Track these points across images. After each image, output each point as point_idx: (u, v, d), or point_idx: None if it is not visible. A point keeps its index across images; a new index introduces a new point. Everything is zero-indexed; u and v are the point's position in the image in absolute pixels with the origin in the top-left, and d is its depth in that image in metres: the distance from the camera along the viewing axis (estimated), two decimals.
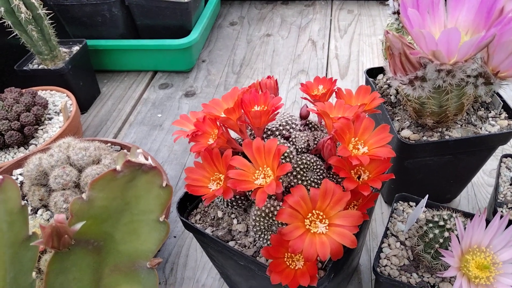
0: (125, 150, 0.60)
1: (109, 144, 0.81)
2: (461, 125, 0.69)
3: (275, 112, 0.48)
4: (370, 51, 1.27)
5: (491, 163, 0.88)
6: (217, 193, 0.43)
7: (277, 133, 0.52)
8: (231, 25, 1.48)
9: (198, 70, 1.27)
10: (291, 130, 0.52)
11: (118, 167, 0.35)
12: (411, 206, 0.65)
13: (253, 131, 0.52)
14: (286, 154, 0.49)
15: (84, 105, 1.12)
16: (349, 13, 1.45)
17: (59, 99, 0.95)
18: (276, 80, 0.58)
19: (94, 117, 1.12)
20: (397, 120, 0.72)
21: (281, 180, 0.48)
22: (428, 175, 0.74)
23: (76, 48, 1.09)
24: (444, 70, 0.46)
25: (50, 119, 0.90)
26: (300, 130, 0.53)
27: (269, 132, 0.52)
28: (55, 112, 0.92)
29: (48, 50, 1.01)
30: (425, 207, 0.63)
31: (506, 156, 0.71)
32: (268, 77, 0.57)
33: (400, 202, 0.65)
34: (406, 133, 0.69)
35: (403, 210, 0.64)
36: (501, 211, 0.62)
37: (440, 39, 0.41)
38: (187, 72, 1.26)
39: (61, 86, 1.00)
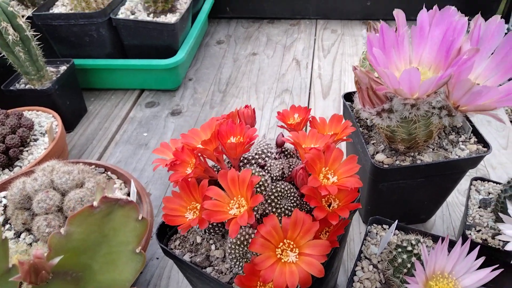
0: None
1: (93, 166, 0.82)
2: (433, 149, 0.73)
3: (251, 143, 0.50)
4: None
5: (466, 183, 0.92)
6: (192, 223, 0.45)
7: (253, 161, 0.54)
8: (218, 43, 1.51)
9: (185, 89, 1.29)
10: (267, 158, 0.55)
11: (95, 203, 0.37)
12: (384, 229, 0.67)
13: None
14: (261, 183, 0.51)
15: (70, 124, 1.13)
16: (332, 33, 1.50)
17: (45, 120, 0.97)
18: (253, 109, 0.60)
19: (81, 136, 1.13)
20: (373, 143, 0.75)
21: (256, 208, 0.50)
22: (403, 196, 0.77)
23: (63, 68, 1.10)
24: (408, 104, 0.49)
25: (35, 140, 0.91)
26: (275, 158, 0.56)
27: (245, 161, 0.54)
28: (41, 133, 0.93)
29: (35, 70, 1.03)
30: (398, 230, 0.66)
31: (476, 179, 0.75)
32: (246, 106, 0.60)
33: (374, 225, 0.68)
34: (380, 157, 0.72)
35: (376, 233, 0.66)
36: (469, 234, 0.65)
37: (402, 78, 0.43)
38: (174, 91, 1.28)
39: (48, 106, 1.02)
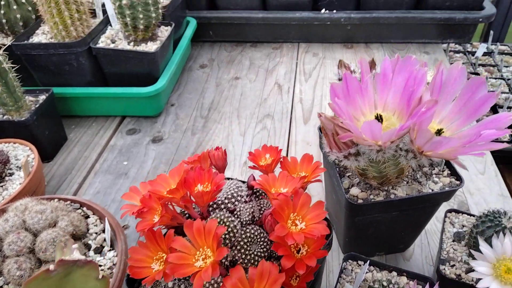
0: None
1: (68, 202, 0.81)
2: (407, 182, 0.73)
3: (219, 190, 0.50)
4: None
5: (444, 210, 0.93)
6: (157, 277, 0.44)
7: (222, 206, 0.54)
8: (201, 67, 1.51)
9: (167, 115, 1.29)
10: (236, 202, 0.54)
11: (51, 267, 0.36)
12: (360, 265, 0.67)
13: None
14: (230, 229, 0.51)
15: (49, 154, 1.12)
16: (314, 56, 1.51)
17: (22, 153, 0.96)
18: (224, 150, 0.61)
19: (60, 165, 1.12)
20: (348, 176, 0.75)
21: (225, 257, 0.50)
22: (379, 229, 0.77)
23: (42, 97, 1.09)
24: (373, 149, 0.50)
25: (11, 174, 0.90)
26: (245, 201, 0.56)
27: (215, 206, 0.54)
28: (17, 166, 0.92)
29: (13, 101, 1.02)
30: (373, 266, 0.66)
31: (450, 211, 0.75)
32: (217, 148, 0.60)
33: (349, 261, 0.68)
34: (355, 191, 0.72)
35: (352, 270, 0.66)
36: (444, 269, 0.65)
37: (363, 129, 0.44)
38: (156, 117, 1.28)
39: (26, 137, 1.01)
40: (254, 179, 0.57)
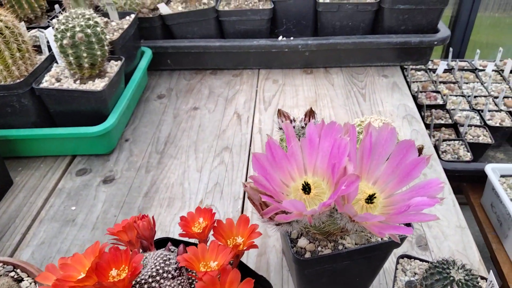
0: None
1: (0, 264, 0.75)
2: (356, 230, 0.70)
3: (136, 274, 0.46)
4: None
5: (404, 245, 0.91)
6: None
7: (145, 286, 0.49)
8: (159, 98, 1.47)
9: (120, 151, 1.24)
10: (162, 280, 0.50)
11: None
12: None
13: None
14: None
15: None
16: (274, 83, 1.49)
17: None
18: (153, 216, 0.56)
19: (3, 213, 1.05)
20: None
21: None
22: (331, 278, 0.74)
23: None
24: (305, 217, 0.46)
25: None
26: (173, 277, 0.51)
27: (137, 286, 0.50)
28: None
29: None
30: None
31: (402, 256, 0.73)
32: (143, 216, 0.55)
33: None
34: (302, 242, 0.69)
35: None
36: None
37: (286, 206, 0.41)
38: (108, 155, 1.22)
39: None
40: (184, 248, 0.53)
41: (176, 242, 0.62)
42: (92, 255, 0.48)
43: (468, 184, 1.45)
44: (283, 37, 1.44)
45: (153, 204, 1.06)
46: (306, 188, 0.45)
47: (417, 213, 0.42)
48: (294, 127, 0.65)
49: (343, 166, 0.41)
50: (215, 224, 0.55)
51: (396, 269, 0.70)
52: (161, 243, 0.64)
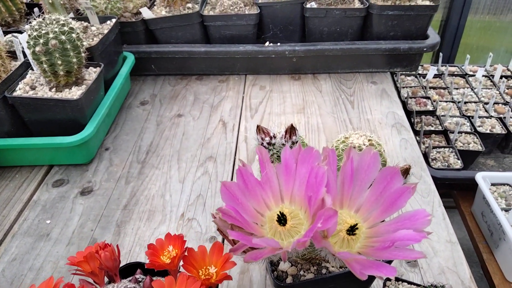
0: None
1: None
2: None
3: None
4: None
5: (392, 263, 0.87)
6: None
7: None
8: (142, 104, 1.42)
9: (100, 161, 1.19)
10: None
11: None
12: None
13: None
14: None
15: None
16: (261, 90, 1.45)
17: None
18: (117, 245, 0.52)
19: None
20: None
21: None
22: None
23: None
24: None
25: None
26: None
27: None
28: None
29: None
30: None
31: (389, 279, 0.69)
32: (106, 245, 0.51)
33: None
34: (284, 266, 0.65)
35: None
36: None
37: (257, 243, 0.37)
38: (87, 165, 1.17)
39: None
40: (150, 281, 0.48)
41: (148, 269, 0.57)
42: None
43: (458, 192, 1.43)
44: (270, 42, 1.40)
45: (132, 217, 1.02)
46: (282, 220, 0.41)
47: (402, 248, 0.38)
48: (274, 144, 0.61)
49: (320, 198, 0.38)
50: (186, 253, 0.51)
51: None
52: (132, 269, 0.60)
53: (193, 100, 1.43)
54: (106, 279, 0.56)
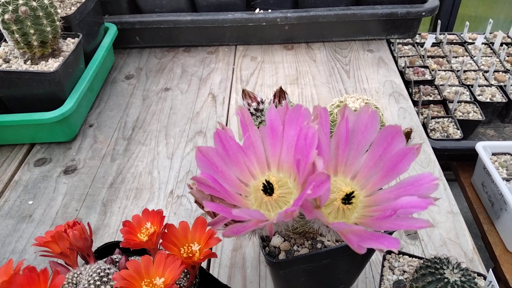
0: None
1: None
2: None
3: None
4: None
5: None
6: None
7: None
8: (127, 78, 1.35)
9: (83, 138, 1.13)
10: None
11: None
12: None
13: None
14: None
15: None
16: (252, 61, 1.38)
17: None
18: (88, 223, 0.47)
19: None
20: None
21: None
22: (312, 277, 0.66)
23: None
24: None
25: None
26: None
27: None
28: None
29: None
30: None
31: (389, 252, 0.65)
32: (75, 223, 0.46)
33: None
34: (276, 241, 0.60)
35: None
36: None
37: (238, 215, 0.32)
38: (70, 142, 1.12)
39: None
40: (126, 260, 0.44)
41: (128, 249, 0.52)
42: (5, 276, 0.39)
43: (458, 162, 1.39)
44: (260, 9, 1.32)
45: (119, 196, 0.97)
46: (268, 189, 0.36)
47: (405, 217, 0.34)
48: (262, 110, 0.55)
49: (311, 162, 0.32)
50: (166, 230, 0.46)
51: (383, 266, 0.63)
52: (112, 248, 0.55)
53: (180, 73, 1.36)
54: (82, 261, 0.51)
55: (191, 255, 0.45)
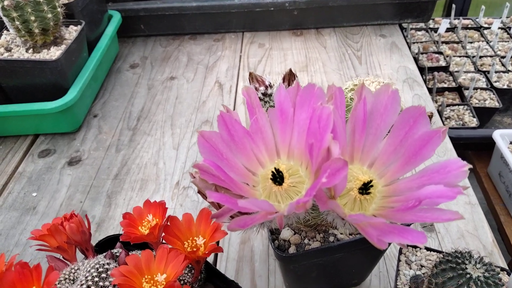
0: None
1: None
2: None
3: None
4: None
5: None
6: None
7: None
8: (132, 67, 1.32)
9: (88, 129, 1.11)
10: None
11: None
12: None
13: None
14: None
15: None
16: (260, 48, 1.34)
17: None
18: (86, 215, 0.44)
19: None
20: None
21: None
22: (324, 271, 0.63)
23: None
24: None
25: None
26: None
27: None
28: None
29: None
30: None
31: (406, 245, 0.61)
32: (72, 215, 0.43)
33: None
34: (286, 234, 0.57)
35: None
36: None
37: (244, 206, 0.28)
38: (74, 133, 1.09)
39: None
40: (126, 254, 0.41)
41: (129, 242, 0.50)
42: None
43: (473, 152, 1.34)
44: None
45: (124, 187, 0.94)
46: (277, 178, 0.32)
47: (430, 208, 0.30)
48: (270, 95, 0.52)
49: (325, 147, 0.29)
50: (168, 223, 0.43)
51: (399, 261, 0.59)
52: (113, 241, 0.52)
53: (186, 61, 1.33)
54: (82, 255, 0.48)
55: (195, 249, 0.42)
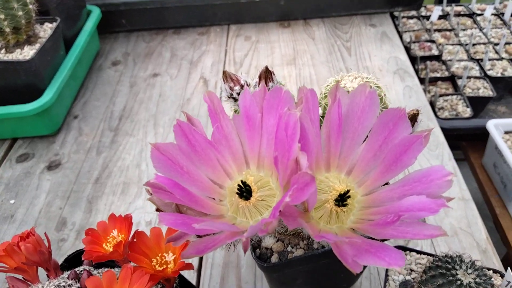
0: None
1: None
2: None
3: None
4: None
5: None
6: None
7: None
8: (113, 65, 1.28)
9: (68, 131, 1.07)
10: None
11: None
12: None
13: None
14: None
15: None
16: (246, 41, 1.30)
17: None
18: (45, 233, 0.41)
19: None
20: None
21: None
22: (310, 278, 0.60)
23: None
24: None
25: None
26: None
27: None
28: None
29: None
30: None
31: (397, 247, 0.58)
32: (29, 234, 0.39)
33: None
34: (268, 241, 0.54)
35: None
36: None
37: (200, 229, 0.25)
38: (54, 135, 1.05)
39: None
40: (88, 276, 0.37)
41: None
42: None
43: (467, 143, 1.31)
44: None
45: (105, 191, 0.91)
46: (244, 192, 0.29)
47: (412, 222, 0.27)
48: None
49: (294, 158, 0.26)
50: (135, 239, 0.40)
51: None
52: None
53: (170, 57, 1.29)
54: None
55: (164, 266, 0.38)
